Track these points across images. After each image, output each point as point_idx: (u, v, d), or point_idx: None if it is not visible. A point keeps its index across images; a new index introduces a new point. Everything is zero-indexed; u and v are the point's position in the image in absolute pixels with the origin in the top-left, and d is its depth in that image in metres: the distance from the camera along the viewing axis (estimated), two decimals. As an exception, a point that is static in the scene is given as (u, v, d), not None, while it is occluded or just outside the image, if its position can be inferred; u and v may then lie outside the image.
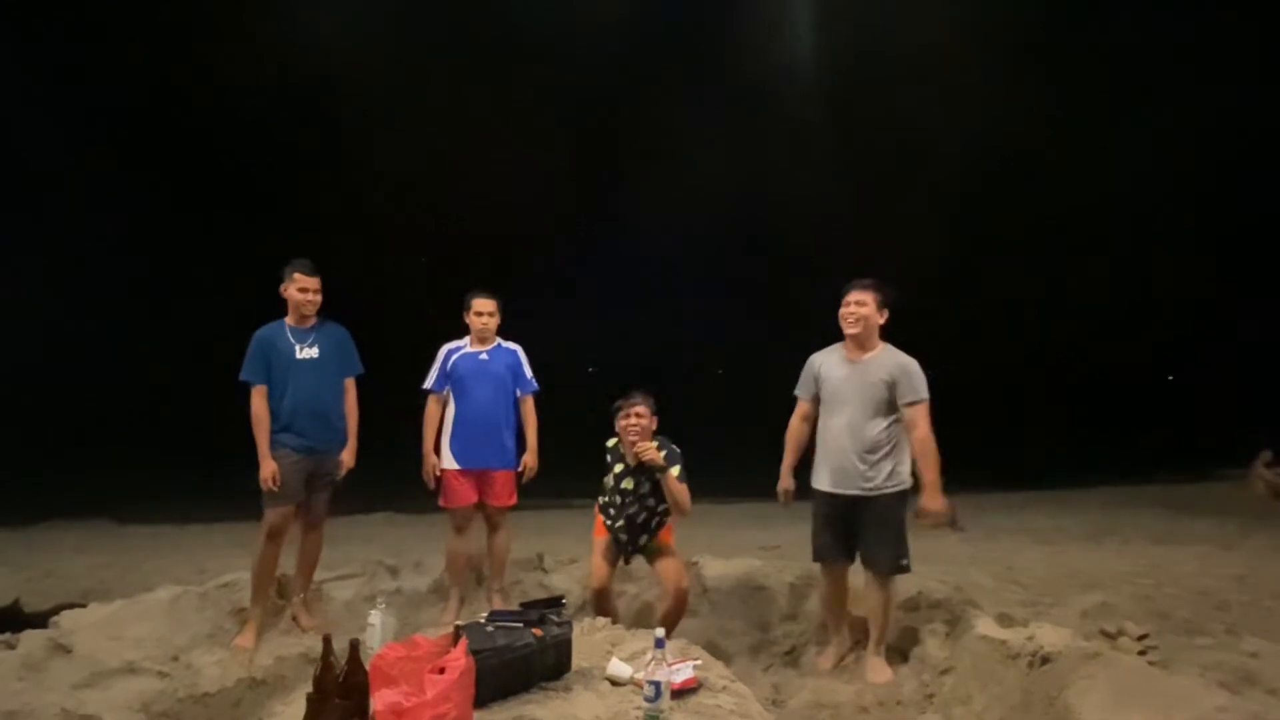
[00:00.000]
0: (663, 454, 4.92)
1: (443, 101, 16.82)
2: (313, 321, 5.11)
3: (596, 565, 5.08)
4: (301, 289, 5.02)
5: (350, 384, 5.29)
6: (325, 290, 5.15)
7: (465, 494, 5.45)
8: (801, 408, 4.99)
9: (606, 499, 5.17)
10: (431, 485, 5.42)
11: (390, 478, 6.89)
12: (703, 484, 5.29)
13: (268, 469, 4.94)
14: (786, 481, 4.94)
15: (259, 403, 4.95)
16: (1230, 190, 18.10)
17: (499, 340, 5.60)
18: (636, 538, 5.10)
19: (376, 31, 15.53)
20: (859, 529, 4.76)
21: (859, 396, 4.65)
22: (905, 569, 4.71)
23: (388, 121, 17.44)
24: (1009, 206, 19.19)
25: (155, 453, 13.47)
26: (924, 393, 4.57)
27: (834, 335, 4.92)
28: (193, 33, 15.18)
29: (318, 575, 5.43)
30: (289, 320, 5.11)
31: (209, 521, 9.66)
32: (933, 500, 4.46)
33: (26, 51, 14.41)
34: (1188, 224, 19.19)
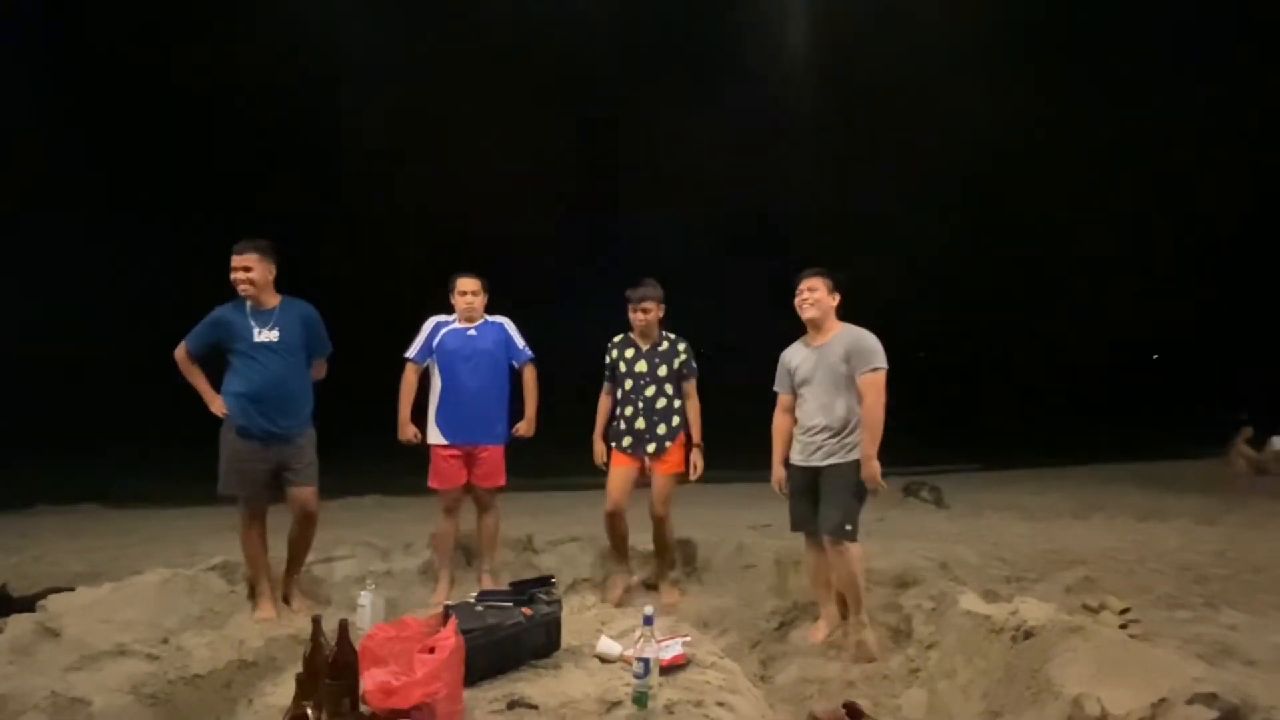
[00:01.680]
0: (679, 361, 5.40)
1: (444, 91, 16.66)
2: (273, 302, 4.80)
3: (612, 487, 5.34)
4: (232, 270, 4.70)
5: (320, 364, 5.12)
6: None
7: (454, 474, 5.41)
8: (783, 400, 5.10)
9: (619, 400, 5.40)
10: (412, 439, 5.32)
11: (380, 459, 6.85)
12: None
13: (216, 404, 4.74)
14: (779, 472, 5.04)
15: (181, 352, 4.74)
16: (1242, 171, 18.11)
17: (485, 316, 5.54)
18: (654, 425, 5.34)
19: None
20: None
21: (824, 378, 4.81)
22: (848, 535, 4.71)
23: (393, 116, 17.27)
24: (1008, 192, 19.22)
25: (144, 435, 13.39)
26: (876, 362, 4.70)
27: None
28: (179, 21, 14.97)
29: (309, 557, 5.35)
30: (250, 302, 4.85)
31: (199, 505, 9.59)
32: (865, 468, 4.58)
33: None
34: (1200, 206, 19.20)
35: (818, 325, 4.91)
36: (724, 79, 17.90)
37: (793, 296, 4.94)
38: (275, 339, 4.72)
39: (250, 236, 4.81)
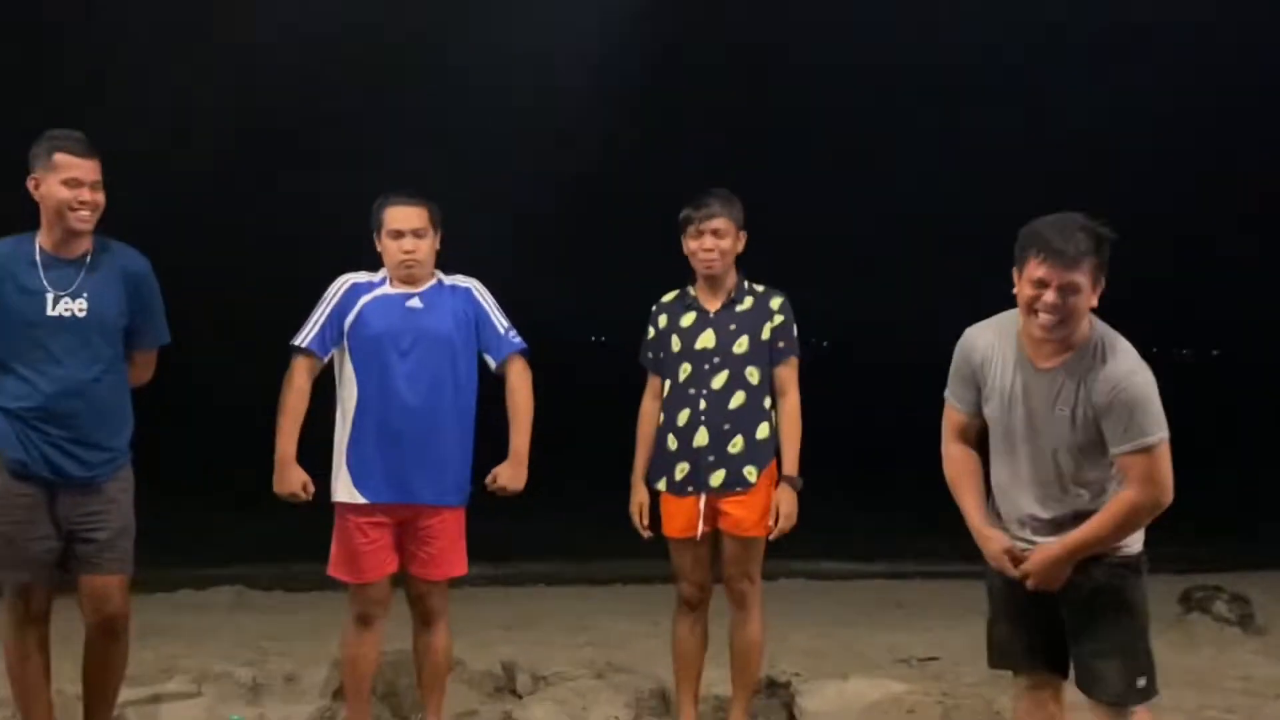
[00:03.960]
0: (770, 328, 3.81)
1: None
2: (85, 247, 3.63)
3: (683, 561, 3.89)
4: (70, 181, 3.52)
5: (146, 359, 3.84)
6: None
7: (375, 558, 3.71)
8: (953, 420, 3.33)
9: (667, 401, 3.90)
10: (299, 493, 3.72)
11: (245, 521, 5.51)
12: (802, 543, 4.09)
13: None
14: (994, 543, 3.14)
15: None
16: None
17: (439, 276, 3.82)
18: (725, 440, 3.80)
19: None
20: (1070, 616, 3.07)
21: (1053, 429, 3.08)
22: (1141, 694, 3.01)
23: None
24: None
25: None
26: (1153, 432, 2.98)
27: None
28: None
29: (125, 692, 4.00)
30: (43, 241, 3.59)
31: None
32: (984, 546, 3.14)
33: None
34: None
35: (1062, 334, 3.02)
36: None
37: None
38: (82, 312, 3.59)
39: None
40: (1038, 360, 2.94)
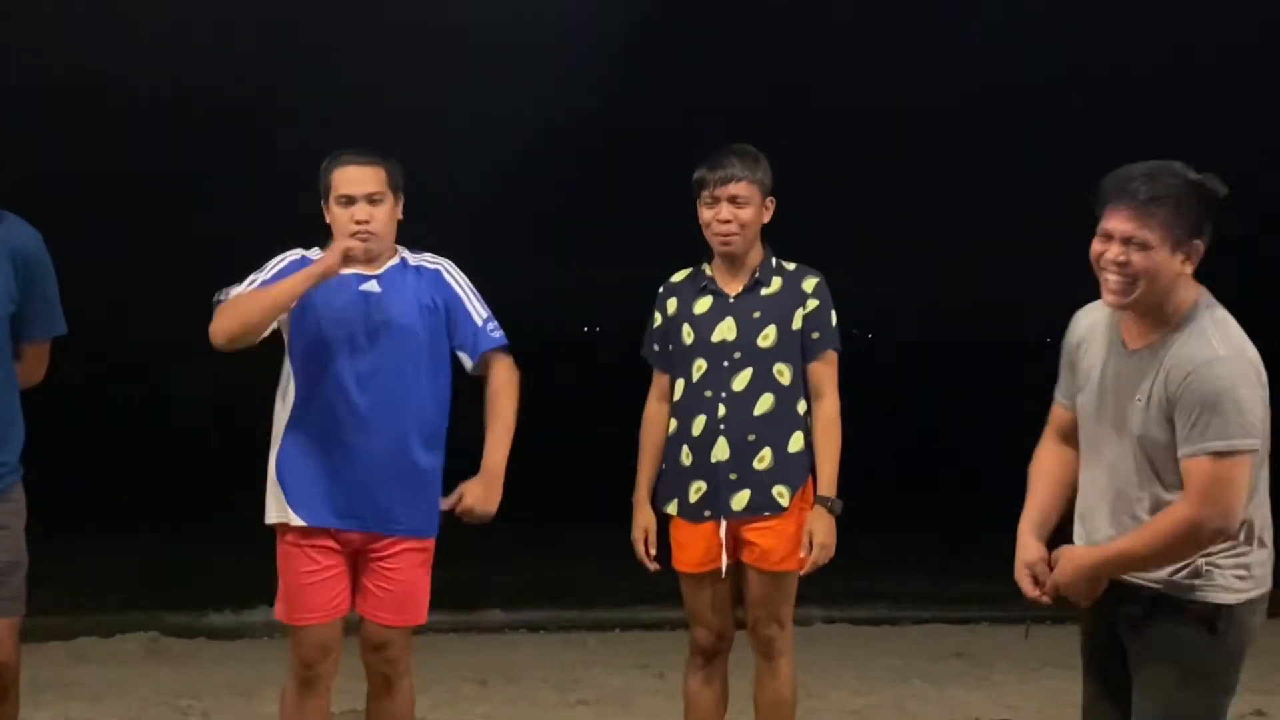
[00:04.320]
0: (802, 315, 3.27)
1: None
2: None
3: (696, 601, 3.38)
4: None
5: (38, 352, 3.35)
6: None
7: (322, 593, 3.15)
8: (1059, 416, 2.85)
9: (678, 404, 3.37)
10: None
11: (161, 547, 5.15)
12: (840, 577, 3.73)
13: None
14: (1024, 557, 2.78)
15: None
16: None
17: (401, 254, 3.24)
18: (749, 452, 3.29)
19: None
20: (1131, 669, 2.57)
21: (1139, 421, 2.61)
22: None
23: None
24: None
25: None
26: (1235, 438, 2.58)
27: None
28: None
29: None
30: None
31: None
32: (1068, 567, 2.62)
33: None
34: None
35: (1144, 305, 2.52)
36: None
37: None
38: None
39: None
40: (1129, 341, 2.50)
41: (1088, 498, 2.59)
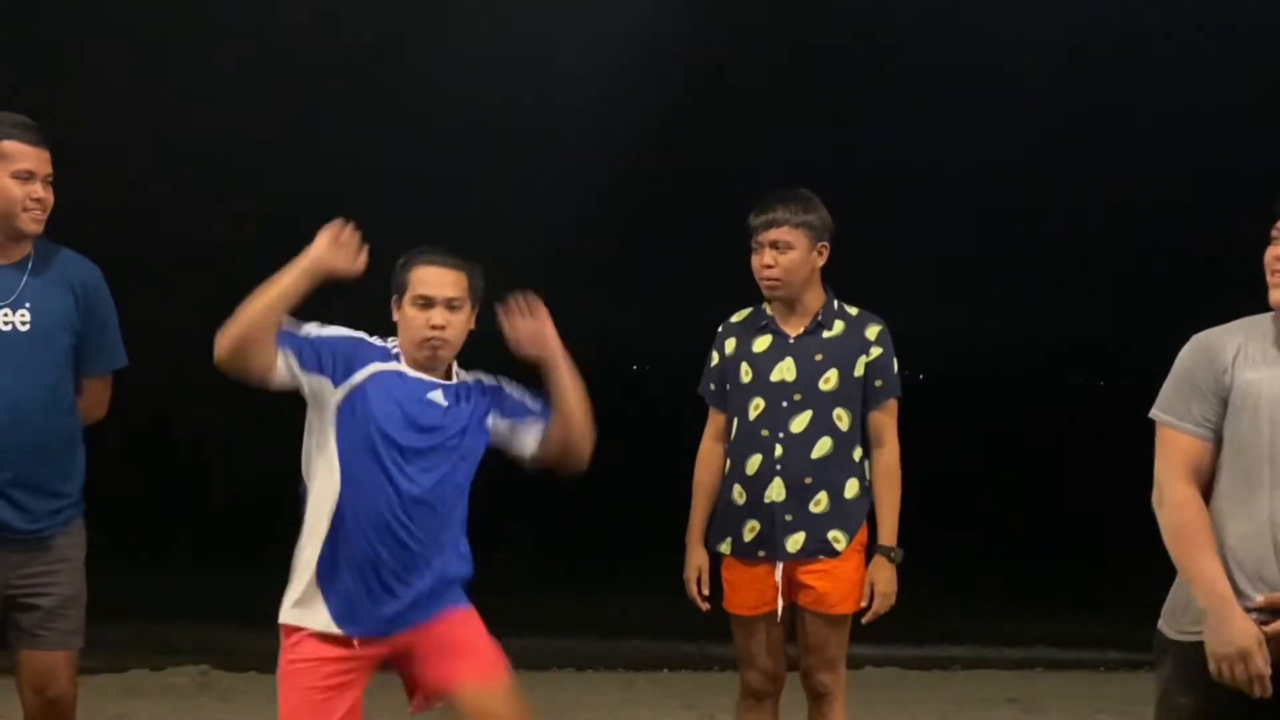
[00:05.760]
0: (865, 362, 3.21)
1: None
2: (26, 250, 3.17)
3: (750, 645, 3.25)
4: (21, 174, 3.05)
5: (99, 387, 3.33)
6: None
7: (322, 707, 2.82)
8: (1191, 448, 2.49)
9: (733, 443, 3.28)
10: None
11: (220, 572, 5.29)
12: (895, 621, 3.32)
13: None
14: (1238, 630, 2.37)
15: None
16: None
17: (456, 370, 2.96)
18: (806, 495, 3.20)
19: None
20: None
21: None
22: None
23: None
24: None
25: None
26: None
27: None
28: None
29: None
30: None
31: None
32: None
33: None
34: None
35: None
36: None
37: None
38: (24, 326, 3.15)
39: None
40: None
41: (1244, 532, 2.32)
